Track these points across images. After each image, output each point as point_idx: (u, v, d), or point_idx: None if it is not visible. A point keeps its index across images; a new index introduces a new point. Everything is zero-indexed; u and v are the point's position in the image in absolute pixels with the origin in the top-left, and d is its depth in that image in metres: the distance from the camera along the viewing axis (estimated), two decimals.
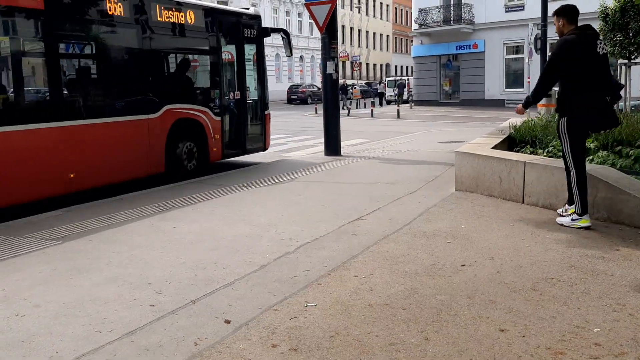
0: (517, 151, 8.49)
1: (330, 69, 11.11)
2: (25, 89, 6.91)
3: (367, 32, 63.49)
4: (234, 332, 3.16)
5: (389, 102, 39.50)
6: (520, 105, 5.78)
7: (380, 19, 66.09)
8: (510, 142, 8.96)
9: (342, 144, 11.60)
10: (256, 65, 10.90)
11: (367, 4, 63.02)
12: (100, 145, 7.56)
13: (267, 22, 28.10)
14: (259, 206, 6.56)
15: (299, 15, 51.29)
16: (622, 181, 5.32)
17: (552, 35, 23.95)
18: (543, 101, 16.34)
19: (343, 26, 58.95)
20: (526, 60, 24.71)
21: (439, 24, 31.56)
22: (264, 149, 11.22)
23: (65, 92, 7.45)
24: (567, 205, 5.50)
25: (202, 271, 4.21)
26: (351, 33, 60.63)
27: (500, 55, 30.37)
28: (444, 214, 5.89)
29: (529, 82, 23.52)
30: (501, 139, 8.28)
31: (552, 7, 22.43)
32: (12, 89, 6.69)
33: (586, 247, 4.62)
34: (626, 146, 7.32)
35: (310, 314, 3.39)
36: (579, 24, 5.24)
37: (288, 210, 6.31)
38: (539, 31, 18.54)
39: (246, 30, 10.48)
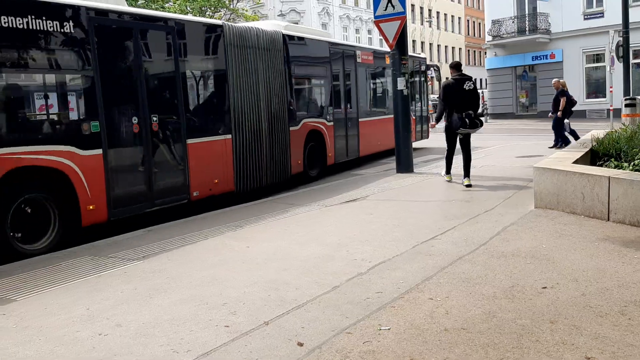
0: (600, 165, 8.08)
1: (401, 85, 11.02)
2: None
3: (438, 45, 62.77)
4: (307, 355, 3.15)
5: None
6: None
7: (452, 31, 65.19)
8: (593, 156, 8.54)
9: (415, 160, 11.45)
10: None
11: (438, 17, 62.41)
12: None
13: (337, 39, 28.22)
14: (330, 225, 6.56)
15: (369, 32, 51.45)
16: None
17: (635, 41, 22.68)
18: (626, 111, 15.59)
19: (414, 40, 58.60)
20: (608, 68, 23.52)
21: (513, 34, 30.69)
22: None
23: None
24: None
25: (274, 292, 4.24)
26: (422, 47, 60.13)
27: (580, 64, 29.13)
28: (522, 232, 5.66)
29: (611, 91, 22.35)
30: (582, 153, 7.91)
31: (633, 13, 21.36)
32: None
33: None
34: None
35: (383, 337, 3.33)
36: None
37: (360, 229, 6.27)
38: (621, 38, 17.66)
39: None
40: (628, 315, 3.46)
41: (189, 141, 8.14)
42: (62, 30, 6.47)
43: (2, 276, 5.07)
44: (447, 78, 9.66)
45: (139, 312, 3.98)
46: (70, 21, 6.57)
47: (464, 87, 8.89)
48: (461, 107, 8.81)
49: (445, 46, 63.98)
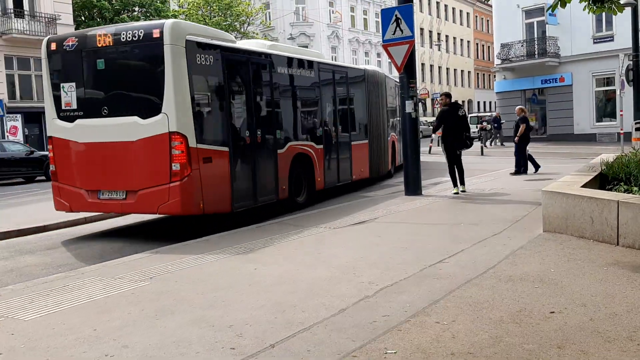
0: (610, 189, 8.05)
1: (409, 108, 11.09)
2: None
3: (447, 69, 63.09)
4: None
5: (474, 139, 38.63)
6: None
7: (461, 55, 65.56)
8: (602, 180, 8.50)
9: (423, 182, 11.45)
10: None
11: (447, 41, 62.84)
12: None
13: (346, 63, 28.28)
14: (338, 248, 6.56)
15: (378, 55, 51.83)
16: None
17: None
18: (637, 135, 15.57)
19: (423, 64, 58.95)
20: (618, 92, 23.51)
21: (522, 58, 30.78)
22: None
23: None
24: None
25: (281, 314, 4.24)
26: (431, 70, 60.47)
27: (589, 87, 29.14)
28: (531, 256, 5.64)
29: (621, 114, 22.34)
30: (592, 176, 7.89)
31: None
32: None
33: None
34: None
35: None
36: None
37: (367, 252, 6.27)
38: (631, 62, 17.68)
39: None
40: (637, 340, 3.43)
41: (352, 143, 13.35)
42: (307, 74, 11.73)
43: (11, 296, 5.11)
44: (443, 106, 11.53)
45: (145, 333, 3.99)
46: (311, 70, 11.82)
47: (458, 113, 10.92)
48: (455, 130, 10.81)
49: (455, 69, 64.28)
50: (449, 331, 3.74)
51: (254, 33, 41.93)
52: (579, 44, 28.84)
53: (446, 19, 62.82)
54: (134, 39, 8.03)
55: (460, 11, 65.58)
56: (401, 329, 3.81)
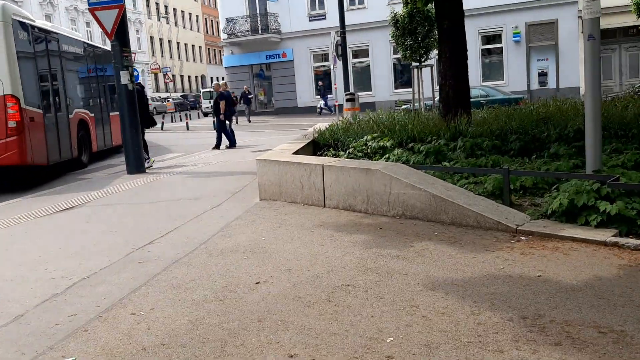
0: (320, 155, 8.50)
1: (124, 79, 10.23)
2: None
3: (178, 43, 61.82)
4: None
5: (205, 115, 38.60)
6: None
7: (191, 29, 64.86)
8: (315, 147, 8.96)
9: (157, 158, 10.98)
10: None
11: (175, 14, 61.43)
12: None
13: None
14: (32, 241, 5.61)
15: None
16: (412, 177, 5.40)
17: (352, 42, 25.00)
18: (347, 105, 17.08)
19: (152, 37, 56.74)
20: (331, 67, 25.65)
21: (247, 33, 31.54)
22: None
23: None
24: None
25: None
26: (161, 44, 58.61)
27: (309, 63, 31.28)
28: (245, 226, 5.52)
29: (335, 87, 24.41)
30: (304, 144, 8.20)
31: (350, 16, 23.50)
32: None
33: (382, 246, 4.55)
34: (418, 143, 7.64)
35: None
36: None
37: (69, 241, 5.48)
38: (339, 38, 19.26)
39: None
40: (334, 301, 3.46)
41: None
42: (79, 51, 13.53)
43: None
44: None
45: None
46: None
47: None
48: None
49: (185, 44, 63.37)
50: (145, 322, 3.31)
51: None
52: (297, 21, 30.63)
53: None
54: None
55: None
56: (87, 329, 3.26)
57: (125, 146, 10.50)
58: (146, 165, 10.86)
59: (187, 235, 5.32)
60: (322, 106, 29.78)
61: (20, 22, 10.01)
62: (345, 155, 7.94)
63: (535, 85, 26.60)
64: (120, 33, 10.15)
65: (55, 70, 11.61)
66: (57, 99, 11.38)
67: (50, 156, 10.55)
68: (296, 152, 7.29)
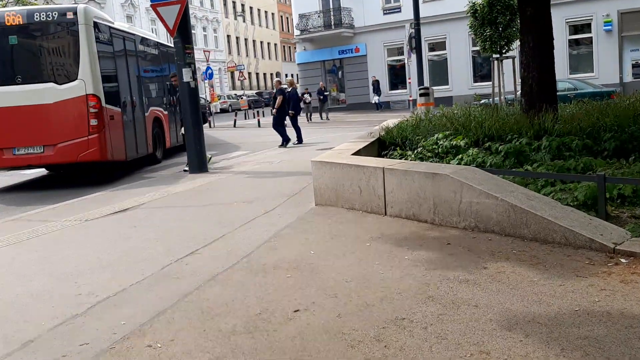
0: (386, 155, 7.84)
1: (186, 76, 9.98)
2: None
3: (254, 41, 62.53)
4: None
5: None
6: None
7: (267, 27, 65.43)
8: (382, 146, 8.30)
9: (222, 156, 10.78)
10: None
11: (251, 13, 62.12)
12: None
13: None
14: (75, 247, 5.31)
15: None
16: (487, 183, 4.65)
17: (428, 35, 24.09)
18: (421, 100, 16.22)
19: (229, 35, 57.66)
20: (406, 61, 24.83)
21: (320, 29, 31.12)
22: None
23: None
24: None
25: None
26: (238, 42, 59.44)
27: (382, 57, 30.44)
28: (294, 237, 4.97)
29: (409, 82, 23.57)
30: (367, 143, 7.57)
31: (426, 8, 22.63)
32: None
33: (449, 267, 3.86)
34: (496, 142, 6.83)
35: None
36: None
37: (109, 249, 5.13)
38: (413, 30, 18.42)
39: None
40: (384, 341, 2.83)
41: None
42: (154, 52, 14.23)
43: None
44: None
45: None
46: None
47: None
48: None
49: (261, 42, 64.01)
50: (160, 358, 2.82)
51: None
52: (371, 15, 29.86)
53: None
54: (48, 19, 9.68)
55: None
56: None
57: (188, 145, 10.25)
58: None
59: (231, 246, 4.84)
60: (377, 102, 29.02)
61: (100, 24, 10.42)
62: (413, 156, 7.24)
63: (628, 78, 24.51)
64: (182, 29, 9.90)
65: (133, 70, 11.97)
66: (134, 98, 11.75)
67: (128, 152, 11.00)
68: (357, 152, 6.67)
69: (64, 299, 3.83)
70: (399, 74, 30.37)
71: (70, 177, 11.67)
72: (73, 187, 10.05)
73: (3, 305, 3.79)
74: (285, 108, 14.31)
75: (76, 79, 9.69)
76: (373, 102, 29.22)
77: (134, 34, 12.77)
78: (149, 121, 12.52)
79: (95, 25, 10.08)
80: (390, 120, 11.68)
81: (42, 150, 9.74)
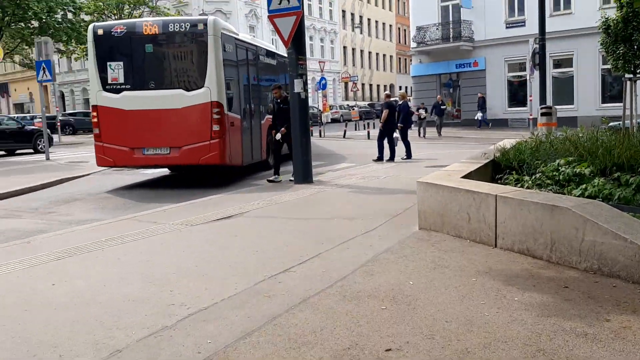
0: (499, 179, 7.32)
1: (298, 87, 10.03)
2: None
3: (370, 52, 62.71)
4: None
5: None
6: None
7: (383, 39, 65.37)
8: (496, 168, 7.77)
9: (327, 168, 10.78)
10: None
11: (369, 24, 62.36)
12: None
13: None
14: (176, 253, 5.39)
15: (310, 38, 50.43)
16: (615, 221, 4.11)
17: (554, 51, 22.77)
18: (542, 120, 15.23)
19: (345, 47, 58.26)
20: (528, 77, 23.52)
21: (437, 41, 30.43)
22: None
23: None
24: None
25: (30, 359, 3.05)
26: (353, 54, 59.89)
27: (502, 72, 29.18)
28: (393, 263, 4.69)
29: (531, 99, 22.32)
30: (480, 165, 7.11)
31: (553, 23, 21.39)
32: None
33: (565, 315, 3.41)
34: (627, 172, 6.12)
35: None
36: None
37: (208, 258, 5.15)
38: (537, 45, 17.41)
39: None
40: None
41: None
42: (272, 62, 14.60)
43: None
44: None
45: None
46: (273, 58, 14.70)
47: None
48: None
49: (377, 53, 64.04)
50: None
51: (165, 8, 39.58)
52: (492, 28, 28.77)
53: (368, 2, 62.31)
54: (180, 29, 10.42)
55: None
56: None
57: (294, 155, 10.29)
58: (273, 178, 10.62)
59: (326, 267, 4.65)
60: (480, 118, 28.00)
61: (227, 35, 10.95)
62: (531, 182, 6.67)
63: None
64: (296, 41, 9.97)
65: (252, 79, 12.51)
66: (252, 106, 12.28)
67: (244, 158, 11.47)
68: (468, 175, 6.25)
69: (157, 307, 3.84)
70: (519, 91, 28.98)
71: (188, 178, 12.21)
72: (189, 188, 10.53)
73: (101, 308, 3.85)
74: (392, 122, 13.98)
75: (203, 86, 10.26)
76: (476, 118, 28.22)
77: (255, 45, 13.33)
78: (264, 128, 12.88)
79: (222, 36, 10.58)
80: (507, 140, 11.00)
81: (168, 152, 10.43)
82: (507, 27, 28.63)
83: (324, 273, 4.47)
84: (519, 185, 6.60)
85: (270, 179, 10.63)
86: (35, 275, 4.74)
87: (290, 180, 10.38)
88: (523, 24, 27.86)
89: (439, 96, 27.77)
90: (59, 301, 4.02)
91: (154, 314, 3.70)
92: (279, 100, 10.79)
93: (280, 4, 9.81)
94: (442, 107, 26.34)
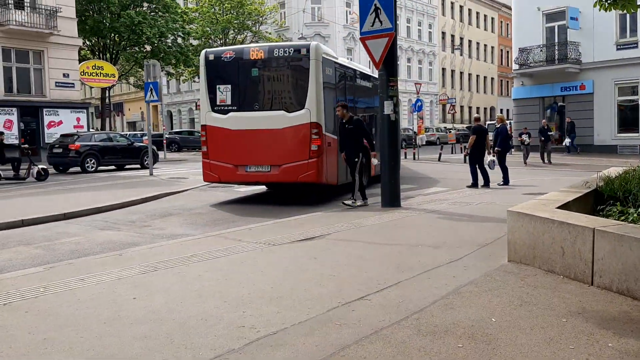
0: (601, 210, 6.75)
1: (388, 109, 9.88)
2: None
3: (470, 74, 61.39)
4: None
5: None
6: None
7: (484, 61, 63.78)
8: (598, 199, 7.20)
9: (416, 192, 10.56)
10: None
11: (470, 46, 61.14)
12: None
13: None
14: (254, 272, 5.40)
15: (408, 60, 50.40)
16: None
17: None
18: None
19: (444, 68, 57.44)
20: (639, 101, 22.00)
21: (541, 63, 29.10)
22: None
23: None
24: None
25: None
26: (452, 75, 58.87)
27: (611, 96, 27.37)
28: (476, 296, 4.41)
29: None
30: (581, 194, 6.60)
31: None
32: None
33: None
34: None
35: None
36: None
37: (285, 279, 5.11)
38: None
39: None
40: None
41: None
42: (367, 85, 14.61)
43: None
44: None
45: None
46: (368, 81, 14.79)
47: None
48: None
49: (477, 75, 62.56)
50: None
51: (267, 32, 41.01)
52: (602, 50, 27.16)
53: (470, 23, 61.21)
54: (284, 54, 10.95)
55: (485, 16, 63.87)
56: None
57: (383, 177, 10.12)
58: (351, 203, 10.28)
59: (403, 297, 4.45)
60: (568, 144, 26.77)
61: (327, 59, 11.28)
62: (636, 215, 6.10)
63: None
64: (388, 62, 9.84)
65: (349, 101, 12.56)
66: None
67: (339, 177, 11.54)
68: (565, 205, 5.80)
69: (227, 328, 3.82)
70: (629, 116, 27.07)
71: (277, 196, 12.42)
72: (278, 205, 10.75)
73: (174, 326, 3.89)
74: (481, 147, 13.37)
75: (303, 108, 10.67)
76: (564, 144, 26.65)
77: (352, 68, 13.58)
78: None
79: (323, 60, 10.95)
80: (614, 168, 10.21)
81: (269, 170, 10.86)
82: (617, 49, 26.92)
83: (401, 303, 4.27)
84: (622, 218, 6.04)
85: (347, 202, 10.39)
86: (119, 288, 4.91)
87: (378, 202, 10.20)
88: (635, 45, 26.13)
89: (543, 120, 25.76)
90: (136, 315, 4.12)
91: (223, 336, 3.68)
92: (343, 120, 10.46)
93: (372, 25, 9.77)
94: (548, 132, 24.17)
